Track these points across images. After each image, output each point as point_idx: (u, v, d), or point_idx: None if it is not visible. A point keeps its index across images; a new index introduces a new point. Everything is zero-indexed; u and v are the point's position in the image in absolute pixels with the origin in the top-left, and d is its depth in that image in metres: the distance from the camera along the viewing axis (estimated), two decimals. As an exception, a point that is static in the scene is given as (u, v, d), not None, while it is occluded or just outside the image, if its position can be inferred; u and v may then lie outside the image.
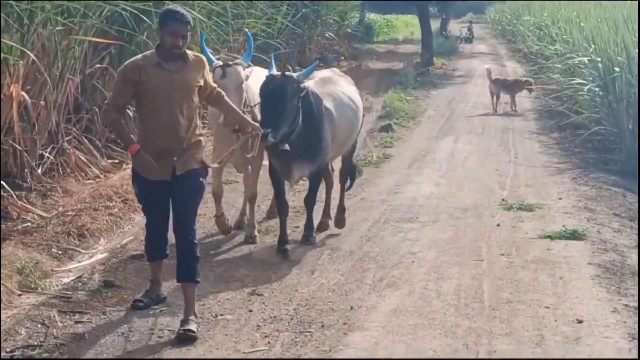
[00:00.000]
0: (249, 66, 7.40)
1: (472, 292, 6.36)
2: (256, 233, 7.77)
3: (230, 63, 7.15)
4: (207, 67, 5.81)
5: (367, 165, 11.30)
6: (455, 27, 40.14)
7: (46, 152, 9.18)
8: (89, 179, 9.52)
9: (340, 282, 6.63)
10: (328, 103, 7.58)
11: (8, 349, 5.07)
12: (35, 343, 5.19)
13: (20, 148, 8.52)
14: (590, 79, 13.84)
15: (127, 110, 8.66)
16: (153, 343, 5.40)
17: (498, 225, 8.24)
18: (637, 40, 12.29)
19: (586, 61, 14.56)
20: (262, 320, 5.82)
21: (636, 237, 7.94)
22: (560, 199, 9.38)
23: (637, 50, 12.08)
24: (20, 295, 6.13)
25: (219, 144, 7.52)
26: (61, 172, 9.32)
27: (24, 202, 8.15)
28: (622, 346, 5.34)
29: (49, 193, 8.68)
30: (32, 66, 8.73)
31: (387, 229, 8.18)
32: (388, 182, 10.34)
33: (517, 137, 13.70)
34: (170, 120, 5.55)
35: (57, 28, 9.28)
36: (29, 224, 7.67)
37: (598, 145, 12.73)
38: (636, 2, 14.90)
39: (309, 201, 7.73)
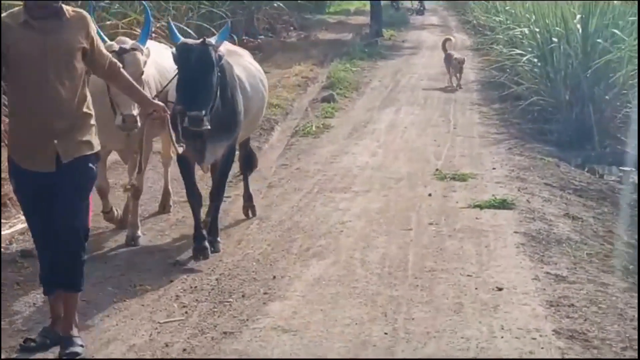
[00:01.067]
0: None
1: (397, 261, 6.35)
2: (139, 234, 6.74)
3: (126, 47, 5.96)
4: (92, 25, 4.66)
5: (306, 135, 11.26)
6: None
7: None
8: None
9: (266, 252, 6.58)
10: (239, 72, 6.68)
11: None
12: None
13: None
14: (529, 49, 13.89)
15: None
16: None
17: (430, 195, 8.23)
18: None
19: (527, 32, 14.60)
20: (182, 291, 5.77)
21: (564, 205, 8.01)
22: (494, 169, 9.41)
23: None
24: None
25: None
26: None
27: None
28: (539, 313, 5.36)
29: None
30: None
31: (319, 199, 8.14)
32: (325, 152, 10.29)
33: (458, 108, 13.68)
34: (46, 93, 4.42)
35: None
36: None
37: (537, 117, 12.77)
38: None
39: (217, 193, 6.65)
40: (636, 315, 5.36)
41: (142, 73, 5.89)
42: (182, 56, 5.92)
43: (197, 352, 4.84)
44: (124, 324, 5.19)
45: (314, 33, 26.65)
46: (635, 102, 10.68)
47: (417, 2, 37.42)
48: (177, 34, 6.31)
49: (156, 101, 5.32)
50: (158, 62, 6.54)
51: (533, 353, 4.78)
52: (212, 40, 6.13)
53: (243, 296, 5.67)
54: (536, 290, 5.75)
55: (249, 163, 7.77)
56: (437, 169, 9.27)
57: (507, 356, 4.75)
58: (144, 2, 7.54)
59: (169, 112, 5.27)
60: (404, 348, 4.87)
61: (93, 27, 4.69)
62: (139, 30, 13.84)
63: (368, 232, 7.09)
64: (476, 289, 5.78)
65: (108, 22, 13.37)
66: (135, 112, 5.74)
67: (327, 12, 36.63)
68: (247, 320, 5.27)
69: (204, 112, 5.71)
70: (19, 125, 4.56)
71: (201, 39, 6.09)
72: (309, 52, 20.76)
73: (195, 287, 5.84)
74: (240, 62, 6.95)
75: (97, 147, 4.74)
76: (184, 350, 4.85)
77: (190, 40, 6.21)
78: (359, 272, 6.11)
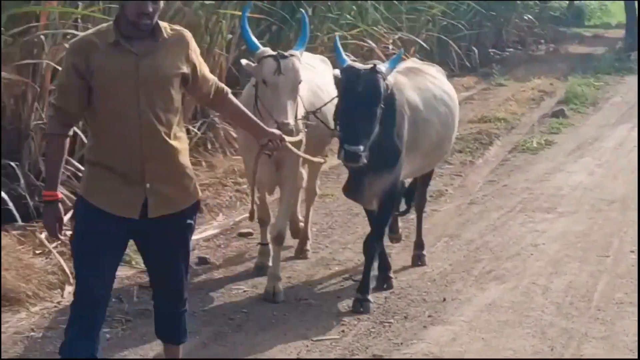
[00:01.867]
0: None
1: (583, 290, 5.86)
2: (281, 287, 5.78)
3: (286, 54, 5.40)
4: (194, 45, 3.92)
5: (525, 151, 10.77)
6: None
7: (195, 126, 9.28)
8: (237, 155, 9.53)
9: (445, 272, 6.31)
10: (412, 94, 5.75)
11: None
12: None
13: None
14: None
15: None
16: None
17: (641, 220, 7.52)
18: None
19: None
20: (345, 308, 5.62)
21: None
22: None
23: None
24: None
25: (246, 155, 5.94)
26: (209, 147, 9.41)
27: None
28: None
29: (193, 167, 8.77)
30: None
31: (518, 219, 7.70)
32: (538, 170, 9.76)
33: None
34: (136, 127, 3.69)
35: (207, 2, 9.40)
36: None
37: None
38: None
39: (372, 243, 5.66)
40: None
41: (300, 82, 5.37)
42: (348, 82, 5.19)
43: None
44: (275, 339, 5.12)
45: (565, 46, 25.71)
46: None
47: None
48: (344, 55, 5.56)
49: (272, 130, 4.43)
50: (310, 75, 5.83)
51: None
52: (383, 67, 5.31)
53: (405, 317, 5.44)
54: None
55: (420, 202, 6.74)
56: (657, 194, 8.44)
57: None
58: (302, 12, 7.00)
59: (286, 142, 4.43)
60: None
61: (195, 48, 3.94)
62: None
63: (561, 256, 6.60)
64: (665, 328, 5.16)
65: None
66: (292, 120, 5.18)
67: (585, 25, 35.24)
68: (402, 344, 5.04)
69: (362, 147, 5.00)
70: (100, 163, 3.77)
71: (371, 65, 5.30)
72: (554, 65, 19.99)
73: (361, 305, 5.67)
74: (418, 82, 6.00)
75: (196, 195, 3.98)
76: (326, 372, 4.72)
77: (358, 65, 5.40)
78: (537, 300, 5.69)
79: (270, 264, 5.92)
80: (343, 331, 5.23)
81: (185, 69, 3.83)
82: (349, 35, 13.96)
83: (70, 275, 5.61)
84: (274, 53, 5.40)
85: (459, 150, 10.42)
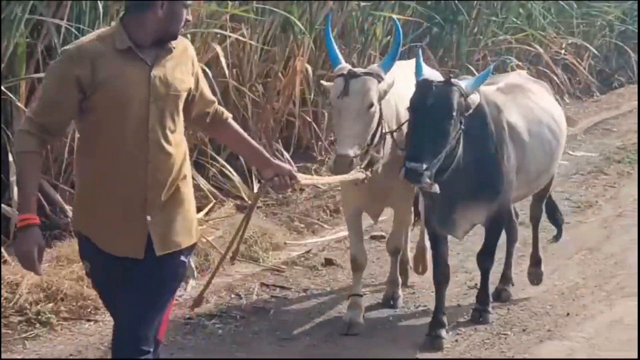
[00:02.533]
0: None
1: None
2: (400, 293, 5.77)
3: (359, 71, 4.90)
4: (195, 57, 3.49)
5: None
6: None
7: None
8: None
9: (576, 286, 6.17)
10: (512, 116, 5.35)
11: (186, 316, 5.38)
12: (216, 312, 5.46)
13: (310, 120, 8.96)
14: None
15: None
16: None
17: None
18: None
19: None
20: (465, 316, 5.63)
21: None
22: None
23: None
24: (233, 264, 5.86)
25: (347, 192, 5.49)
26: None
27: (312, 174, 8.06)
28: None
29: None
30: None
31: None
32: None
33: None
34: (145, 149, 3.22)
35: (363, 3, 9.60)
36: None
37: None
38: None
39: (484, 259, 5.46)
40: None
41: (370, 105, 4.77)
42: (417, 96, 4.79)
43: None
44: (385, 344, 5.18)
45: None
46: None
47: None
48: (424, 67, 5.17)
49: (281, 164, 3.84)
50: (404, 94, 5.07)
51: None
52: (464, 82, 4.91)
53: (523, 330, 5.38)
54: None
55: (539, 216, 6.39)
56: None
57: None
58: (393, 17, 6.70)
59: (299, 181, 3.82)
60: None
61: (197, 62, 3.52)
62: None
63: None
64: None
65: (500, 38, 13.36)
66: (352, 152, 4.66)
67: None
68: (511, 358, 4.99)
69: (425, 166, 4.53)
70: (99, 191, 3.27)
71: (446, 78, 4.94)
72: None
73: (481, 315, 5.67)
74: (521, 101, 5.61)
75: (197, 235, 3.54)
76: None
77: (435, 79, 5.01)
78: (666, 322, 5.44)
79: (361, 316, 5.36)
80: (456, 340, 5.24)
81: (191, 84, 3.41)
82: (514, 40, 13.80)
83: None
84: (345, 71, 4.87)
85: (618, 161, 10.13)
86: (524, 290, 6.06)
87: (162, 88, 3.24)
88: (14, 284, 5.23)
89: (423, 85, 4.80)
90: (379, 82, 4.82)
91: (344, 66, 4.91)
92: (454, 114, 4.65)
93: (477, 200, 5.10)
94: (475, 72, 10.77)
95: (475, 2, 12.60)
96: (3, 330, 4.93)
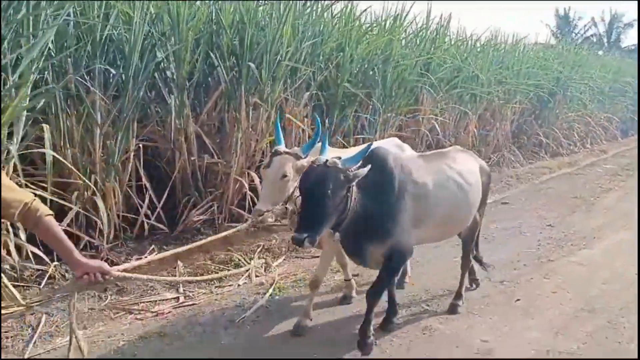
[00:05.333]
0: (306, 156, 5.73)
1: None
2: (307, 323, 6.31)
3: (281, 151, 5.72)
4: None
5: None
6: None
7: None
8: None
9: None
10: (420, 176, 5.84)
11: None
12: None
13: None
14: None
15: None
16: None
17: None
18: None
19: None
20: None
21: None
22: None
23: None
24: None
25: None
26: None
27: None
28: None
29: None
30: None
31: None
32: None
33: None
34: None
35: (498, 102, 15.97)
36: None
37: None
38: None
39: (371, 292, 5.76)
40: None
41: (284, 176, 5.63)
42: (304, 175, 5.23)
43: None
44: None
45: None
46: None
47: None
48: (326, 151, 5.39)
49: (90, 262, 3.91)
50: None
51: None
52: (339, 161, 5.23)
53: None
54: None
55: (466, 263, 7.09)
56: None
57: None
58: (315, 115, 8.21)
59: (112, 275, 4.03)
60: None
61: None
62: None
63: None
64: None
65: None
66: (265, 208, 5.58)
67: None
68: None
69: (304, 235, 4.93)
70: None
71: (324, 161, 5.21)
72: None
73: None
74: (434, 164, 6.15)
75: None
76: None
77: (321, 160, 5.24)
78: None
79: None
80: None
81: None
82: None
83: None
84: (277, 150, 5.73)
85: (627, 169, 16.13)
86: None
87: None
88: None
89: (309, 168, 5.24)
90: (298, 159, 5.70)
91: (277, 147, 5.77)
92: (329, 191, 5.00)
93: (375, 239, 5.51)
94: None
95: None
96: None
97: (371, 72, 11.58)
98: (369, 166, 5.26)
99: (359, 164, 5.25)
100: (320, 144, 5.53)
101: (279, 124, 6.02)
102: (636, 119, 25.87)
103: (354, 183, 5.18)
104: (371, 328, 5.79)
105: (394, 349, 5.85)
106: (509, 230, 10.16)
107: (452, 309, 6.78)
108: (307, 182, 5.10)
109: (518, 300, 7.04)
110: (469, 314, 6.65)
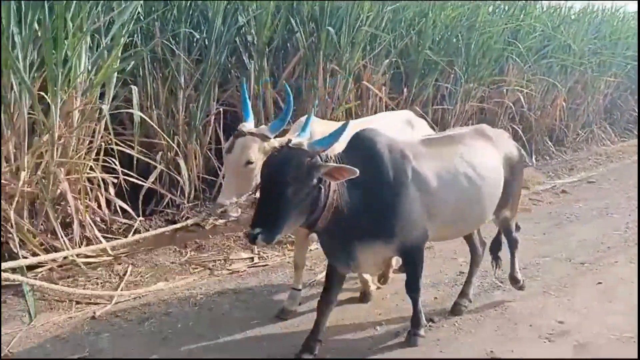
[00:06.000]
0: (281, 135, 5.07)
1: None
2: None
3: (245, 131, 4.95)
4: None
5: None
6: None
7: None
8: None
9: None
10: (422, 165, 4.99)
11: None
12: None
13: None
14: None
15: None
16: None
17: None
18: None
19: None
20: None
21: None
22: None
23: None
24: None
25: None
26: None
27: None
28: None
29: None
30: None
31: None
32: None
33: None
34: None
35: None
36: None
37: None
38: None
39: (409, 290, 5.20)
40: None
41: (248, 162, 4.90)
42: (264, 161, 4.53)
43: None
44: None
45: None
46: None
47: None
48: (307, 129, 4.69)
49: None
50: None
51: None
52: (306, 142, 4.47)
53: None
54: None
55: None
56: None
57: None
58: (285, 84, 6.00)
59: None
60: None
61: None
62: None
63: None
64: None
65: None
66: (228, 201, 4.95)
67: None
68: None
69: (257, 230, 4.24)
70: None
71: (286, 142, 4.53)
72: None
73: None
74: (441, 151, 5.25)
75: None
76: None
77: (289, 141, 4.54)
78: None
79: (294, 306, 5.88)
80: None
81: None
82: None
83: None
84: (240, 130, 5.00)
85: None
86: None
87: None
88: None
89: (272, 153, 4.65)
90: (265, 141, 4.93)
91: (241, 127, 5.02)
92: (289, 178, 4.28)
93: (376, 238, 4.80)
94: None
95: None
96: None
97: (454, 40, 11.37)
98: (343, 147, 4.69)
99: (332, 146, 4.47)
100: (305, 117, 4.75)
101: (245, 93, 5.26)
102: None
103: (324, 170, 4.37)
104: (423, 318, 5.34)
105: (464, 322, 5.75)
106: (594, 210, 9.96)
107: (514, 281, 6.25)
108: (264, 168, 4.41)
109: (600, 283, 6.77)
110: (545, 294, 6.44)
